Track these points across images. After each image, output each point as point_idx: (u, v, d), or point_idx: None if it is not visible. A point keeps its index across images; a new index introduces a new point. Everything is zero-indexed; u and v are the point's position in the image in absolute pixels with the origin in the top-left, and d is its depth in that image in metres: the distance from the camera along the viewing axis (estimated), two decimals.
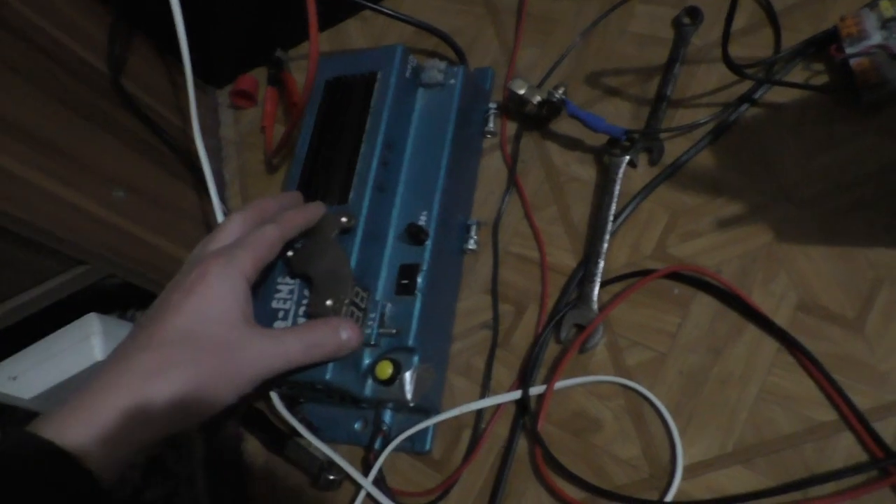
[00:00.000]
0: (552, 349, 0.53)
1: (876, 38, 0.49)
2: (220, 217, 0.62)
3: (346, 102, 0.58)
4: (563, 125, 0.60)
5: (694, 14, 0.58)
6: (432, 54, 0.69)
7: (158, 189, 0.65)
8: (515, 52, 0.65)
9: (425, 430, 0.54)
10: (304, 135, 0.59)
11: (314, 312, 0.51)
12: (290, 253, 0.53)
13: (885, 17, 0.49)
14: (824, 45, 0.52)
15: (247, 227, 0.48)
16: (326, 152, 0.57)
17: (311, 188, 0.56)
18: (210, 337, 0.41)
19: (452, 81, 0.60)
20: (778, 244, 0.49)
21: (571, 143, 0.59)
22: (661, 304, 0.51)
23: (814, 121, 0.51)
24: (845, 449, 0.43)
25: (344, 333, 0.47)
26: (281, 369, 0.44)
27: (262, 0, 0.72)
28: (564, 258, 0.56)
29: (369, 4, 0.69)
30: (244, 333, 0.43)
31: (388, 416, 0.55)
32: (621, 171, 0.55)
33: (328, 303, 0.50)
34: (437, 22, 0.69)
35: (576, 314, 0.53)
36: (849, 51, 0.49)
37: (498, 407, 0.53)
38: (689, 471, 0.46)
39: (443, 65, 0.60)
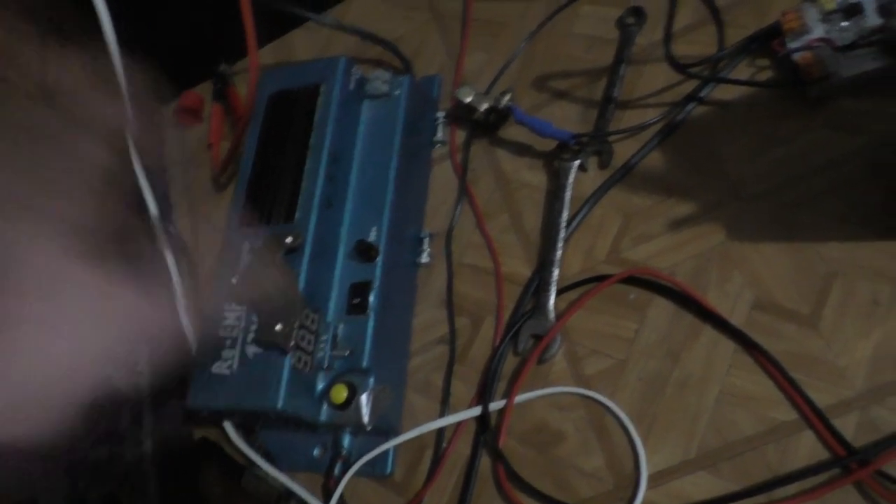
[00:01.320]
0: (511, 361, 0.52)
1: (818, 31, 0.49)
2: (164, 244, 0.60)
3: (289, 117, 0.57)
4: (513, 131, 0.59)
5: (637, 14, 0.58)
6: (378, 63, 0.68)
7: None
8: (462, 59, 0.64)
9: (385, 453, 0.53)
10: (248, 152, 0.57)
11: (263, 338, 0.49)
12: (234, 279, 0.51)
13: (826, 11, 0.49)
14: (767, 41, 0.51)
15: None
16: (271, 169, 0.55)
17: (255, 207, 0.54)
18: None
19: (398, 92, 0.58)
20: (731, 243, 0.48)
21: (521, 150, 0.58)
22: (618, 309, 0.50)
23: (761, 117, 0.50)
24: (807, 448, 0.42)
25: None
26: None
27: (204, 14, 0.71)
28: (519, 267, 0.55)
29: (312, 15, 0.67)
30: None
31: (346, 440, 0.53)
32: (572, 175, 0.55)
33: (277, 327, 0.49)
34: (383, 30, 0.68)
35: (532, 324, 0.52)
36: (791, 45, 0.49)
37: (458, 425, 0.52)
38: (654, 479, 0.45)
39: (387, 75, 0.59)
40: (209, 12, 0.68)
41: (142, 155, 0.59)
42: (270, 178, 0.55)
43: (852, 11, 0.48)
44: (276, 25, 0.74)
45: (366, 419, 0.49)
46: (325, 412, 0.50)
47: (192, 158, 0.73)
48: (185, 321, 0.60)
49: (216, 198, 0.70)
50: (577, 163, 0.55)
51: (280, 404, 0.47)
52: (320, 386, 0.50)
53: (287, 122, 0.56)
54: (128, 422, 0.63)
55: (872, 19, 0.47)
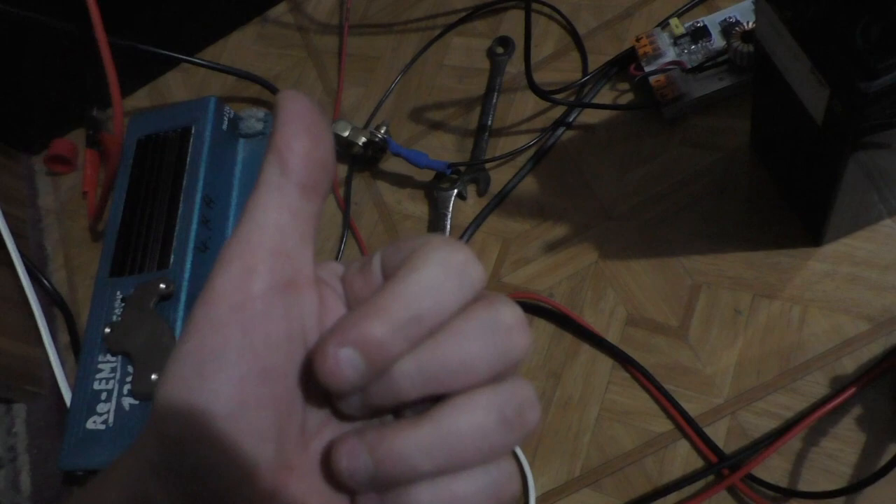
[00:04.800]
0: None
1: (670, 55, 0.51)
2: (32, 299, 0.57)
3: (159, 161, 0.55)
4: (392, 163, 0.59)
5: (505, 43, 0.59)
6: (256, 101, 0.67)
7: None
8: (339, 94, 0.64)
9: None
10: (118, 199, 0.55)
11: (139, 390, 0.47)
12: (106, 329, 0.49)
13: (676, 35, 0.51)
14: (625, 65, 0.53)
15: None
16: (142, 216, 0.54)
17: (127, 256, 0.52)
18: None
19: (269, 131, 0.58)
20: (603, 262, 0.50)
21: (401, 181, 0.59)
22: None
23: (624, 138, 0.52)
24: (683, 457, 0.43)
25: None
26: None
27: (70, 60, 0.68)
28: None
29: (186, 57, 0.66)
30: None
31: None
32: (451, 204, 0.55)
33: (153, 377, 0.47)
34: (259, 68, 0.68)
35: None
36: (647, 69, 0.51)
37: None
38: (542, 501, 0.45)
39: (261, 113, 0.58)
40: (77, 58, 0.66)
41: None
42: (142, 224, 0.53)
43: (699, 35, 0.51)
44: (149, 68, 0.73)
45: None
46: None
47: (67, 207, 0.70)
48: (61, 376, 0.57)
49: (93, 247, 0.67)
50: (454, 191, 0.55)
51: None
52: None
53: (158, 167, 0.55)
54: (5, 486, 0.59)
55: (718, 42, 0.50)
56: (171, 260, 0.51)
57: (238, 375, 0.18)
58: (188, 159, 0.54)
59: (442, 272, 0.19)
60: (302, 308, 0.19)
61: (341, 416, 0.20)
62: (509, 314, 0.19)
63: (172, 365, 0.18)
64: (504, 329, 0.19)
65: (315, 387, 0.19)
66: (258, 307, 0.18)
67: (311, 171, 0.19)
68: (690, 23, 0.51)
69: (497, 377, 0.19)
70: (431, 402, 0.19)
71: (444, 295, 0.18)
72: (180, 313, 0.49)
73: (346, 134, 0.58)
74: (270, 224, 0.19)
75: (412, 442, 0.18)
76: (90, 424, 0.48)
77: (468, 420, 0.18)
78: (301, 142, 0.19)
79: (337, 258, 0.58)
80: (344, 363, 0.18)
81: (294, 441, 0.19)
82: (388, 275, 0.20)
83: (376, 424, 0.20)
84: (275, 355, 0.18)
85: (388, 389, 0.18)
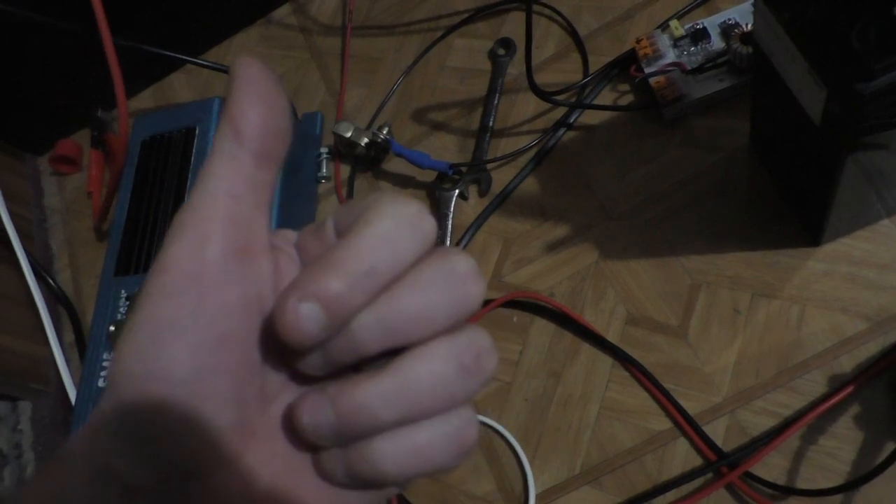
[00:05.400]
0: None
1: (669, 56, 0.52)
2: (38, 297, 0.58)
3: (164, 161, 0.56)
4: (394, 163, 0.60)
5: (507, 45, 0.60)
6: None
7: None
8: (342, 95, 0.65)
9: None
10: (122, 199, 0.56)
11: None
12: (111, 328, 0.50)
13: (676, 37, 0.52)
14: (626, 67, 0.54)
15: None
16: (147, 215, 0.54)
17: (131, 255, 0.53)
18: None
19: None
20: (604, 261, 0.50)
21: (403, 181, 0.59)
22: (503, 332, 0.51)
23: (625, 138, 0.53)
24: (682, 455, 0.43)
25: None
26: None
27: (75, 61, 0.69)
28: None
29: (190, 59, 0.67)
30: None
31: None
32: (452, 204, 0.56)
33: None
34: None
35: None
36: (647, 70, 0.52)
37: None
38: (542, 498, 0.46)
39: None
40: (82, 59, 0.67)
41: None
42: (146, 223, 0.54)
43: (699, 37, 0.51)
44: (154, 69, 0.73)
45: None
46: None
47: (72, 207, 0.71)
48: (66, 374, 0.58)
49: (98, 246, 0.68)
50: (456, 192, 0.56)
51: None
52: None
53: (162, 167, 0.55)
54: (10, 482, 0.60)
55: (717, 43, 0.50)
56: None
57: (194, 342, 0.18)
58: (192, 159, 0.55)
59: (395, 225, 0.19)
60: (257, 274, 0.19)
61: (301, 378, 0.21)
62: (463, 263, 0.19)
63: (128, 334, 0.18)
64: (459, 278, 0.19)
65: (274, 351, 0.20)
66: (213, 274, 0.18)
67: (266, 140, 0.19)
68: (690, 25, 0.51)
69: (454, 327, 0.19)
70: (391, 356, 0.19)
71: (399, 247, 0.19)
72: None
73: (348, 135, 0.58)
74: (224, 192, 0.19)
75: (374, 392, 0.18)
76: None
77: (428, 369, 0.19)
78: (256, 110, 0.19)
79: None
80: (304, 317, 0.18)
81: (254, 406, 0.19)
82: (342, 234, 0.20)
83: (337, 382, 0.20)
84: (231, 321, 0.18)
85: (348, 343, 0.19)
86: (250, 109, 0.19)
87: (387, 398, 0.18)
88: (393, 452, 0.19)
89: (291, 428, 0.20)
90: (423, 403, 0.19)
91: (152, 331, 0.18)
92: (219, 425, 0.18)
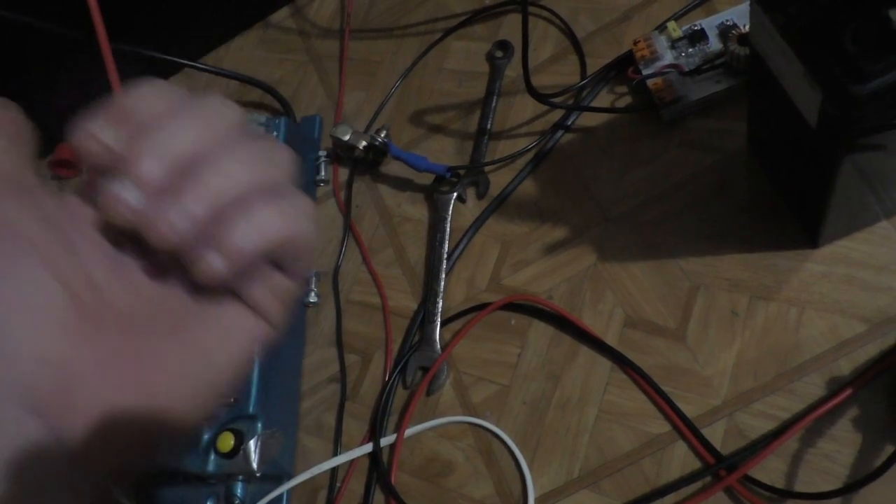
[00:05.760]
0: (401, 395, 0.52)
1: (667, 58, 0.51)
2: None
3: None
4: (393, 167, 0.60)
5: (504, 47, 0.60)
6: (259, 106, 0.68)
7: None
8: (341, 98, 0.65)
9: (279, 498, 0.51)
10: None
11: None
12: None
13: (674, 38, 0.52)
14: (623, 69, 0.54)
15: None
16: None
17: None
18: None
19: (275, 133, 0.58)
20: (602, 264, 0.50)
21: (401, 184, 0.59)
22: (501, 336, 0.51)
23: (623, 140, 0.52)
24: (680, 458, 0.43)
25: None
26: None
27: (74, 65, 0.69)
28: (405, 301, 0.55)
29: (188, 62, 0.67)
30: None
31: (239, 488, 0.51)
32: (450, 207, 0.56)
33: None
34: (261, 73, 0.68)
35: (419, 357, 0.52)
36: (644, 72, 0.51)
37: (351, 463, 0.51)
38: (541, 501, 0.46)
39: (262, 118, 0.58)
40: (81, 63, 0.67)
41: None
42: None
43: (697, 38, 0.51)
44: (154, 72, 0.73)
45: (255, 466, 0.48)
46: (212, 462, 0.49)
47: None
48: None
49: None
50: (454, 195, 0.56)
51: (162, 459, 0.45)
52: (206, 436, 0.49)
53: None
54: None
55: (715, 45, 0.50)
56: None
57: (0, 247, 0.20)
58: None
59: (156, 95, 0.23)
60: (42, 200, 0.22)
61: (130, 264, 0.23)
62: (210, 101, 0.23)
63: None
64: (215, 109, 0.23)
65: (92, 248, 0.23)
66: None
67: (11, 125, 0.24)
68: (688, 26, 0.51)
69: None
70: None
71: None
72: None
73: (346, 138, 0.58)
74: None
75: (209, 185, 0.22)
76: None
77: (231, 156, 0.22)
78: None
79: (338, 260, 0.58)
80: (97, 126, 0.22)
81: (86, 290, 0.22)
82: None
83: None
84: (29, 225, 0.21)
85: (151, 154, 0.21)
86: None
87: (214, 177, 0.21)
88: (246, 219, 0.22)
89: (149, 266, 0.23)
90: (242, 174, 0.22)
91: None
92: (50, 306, 0.20)
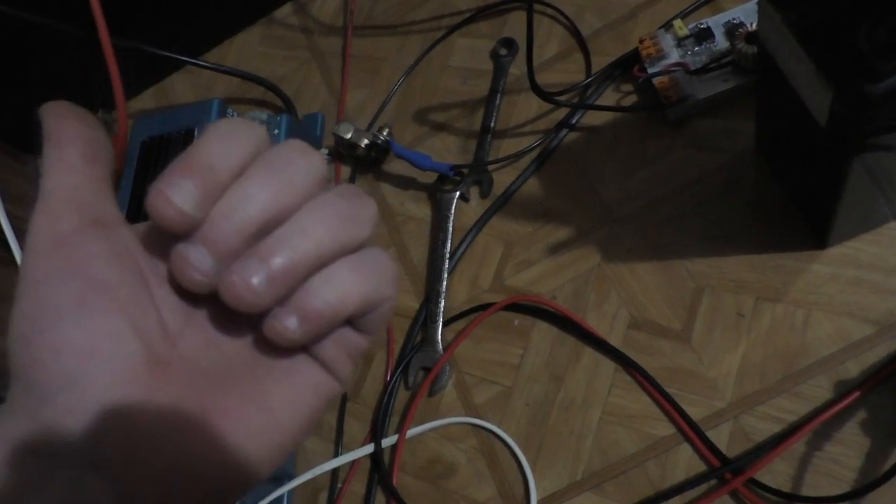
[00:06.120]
0: (403, 396, 0.52)
1: (673, 56, 0.51)
2: None
3: (163, 163, 0.55)
4: (395, 165, 0.59)
5: (509, 45, 0.59)
6: (261, 103, 0.67)
7: None
8: (343, 95, 0.64)
9: (280, 499, 0.51)
10: (121, 200, 0.55)
11: None
12: None
13: (680, 37, 0.51)
14: (629, 67, 0.53)
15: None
16: (146, 217, 0.54)
17: None
18: None
19: (277, 131, 0.58)
20: (606, 264, 0.49)
21: (404, 183, 0.59)
22: (504, 336, 0.50)
23: (628, 139, 0.52)
24: (685, 461, 0.43)
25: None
26: None
27: (75, 61, 0.69)
28: (407, 300, 0.55)
29: (191, 59, 0.66)
30: None
31: None
32: (453, 206, 0.55)
33: None
34: (264, 70, 0.68)
35: (421, 357, 0.52)
36: (650, 70, 0.51)
37: (352, 464, 0.51)
38: None
39: (264, 115, 0.58)
40: (82, 60, 0.66)
41: None
42: None
43: (703, 36, 0.50)
44: (155, 70, 0.73)
45: None
46: None
47: None
48: None
49: None
50: (457, 193, 0.55)
51: None
52: None
53: (162, 168, 0.55)
54: None
55: (722, 43, 0.50)
56: None
57: (74, 289, 0.20)
58: None
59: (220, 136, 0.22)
60: (119, 236, 0.21)
61: (202, 316, 0.23)
62: (295, 146, 0.22)
63: (15, 313, 0.20)
64: (294, 150, 0.22)
65: (165, 289, 0.22)
66: (72, 238, 0.20)
67: (85, 142, 0.21)
68: (694, 24, 0.51)
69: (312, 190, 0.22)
70: None
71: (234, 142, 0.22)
72: None
73: (348, 136, 0.58)
74: (61, 186, 0.21)
75: (285, 238, 0.21)
76: None
77: (311, 216, 0.21)
78: (69, 122, 0.21)
79: None
80: (173, 190, 0.20)
81: (158, 338, 0.21)
82: None
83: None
84: (105, 268, 0.20)
85: (226, 219, 0.21)
86: (64, 122, 0.21)
87: (295, 238, 0.21)
88: (327, 282, 0.21)
89: (224, 320, 0.23)
90: (324, 235, 0.21)
91: (34, 296, 0.20)
92: (124, 357, 0.20)
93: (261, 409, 0.21)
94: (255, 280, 0.20)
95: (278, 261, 0.20)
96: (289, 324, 0.21)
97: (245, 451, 0.21)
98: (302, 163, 0.22)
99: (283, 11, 0.72)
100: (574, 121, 0.54)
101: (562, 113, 0.55)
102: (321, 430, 0.53)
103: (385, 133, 0.57)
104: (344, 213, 0.22)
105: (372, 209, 0.23)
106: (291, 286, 0.21)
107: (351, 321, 0.23)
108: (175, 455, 0.20)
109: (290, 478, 0.51)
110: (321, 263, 0.21)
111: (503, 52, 0.59)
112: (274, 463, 0.22)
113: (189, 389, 0.21)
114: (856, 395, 0.40)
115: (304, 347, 0.23)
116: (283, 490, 0.51)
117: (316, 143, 0.63)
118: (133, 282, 0.21)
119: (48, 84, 0.70)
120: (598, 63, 0.55)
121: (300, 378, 0.23)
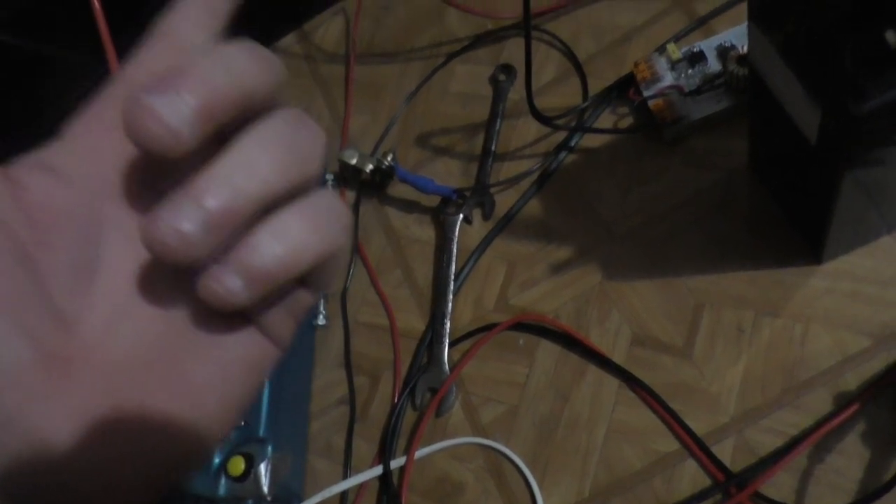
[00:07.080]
0: (410, 417, 0.52)
1: (668, 79, 0.52)
2: None
3: None
4: (399, 189, 0.61)
5: (507, 70, 0.60)
6: None
7: None
8: (347, 121, 0.66)
9: None
10: None
11: None
12: None
13: (674, 60, 0.52)
14: (625, 90, 0.54)
15: None
16: None
17: None
18: None
19: None
20: (608, 282, 0.50)
21: (408, 206, 0.60)
22: (509, 355, 0.51)
23: (626, 160, 0.53)
24: (690, 476, 0.43)
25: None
26: None
27: (86, 89, 0.70)
28: (413, 321, 0.55)
29: None
30: None
31: None
32: (457, 228, 0.56)
33: None
34: None
35: (428, 378, 0.52)
36: (646, 93, 0.52)
37: (361, 486, 0.51)
38: None
39: None
40: (93, 87, 0.68)
41: None
42: None
43: (696, 59, 0.52)
44: None
45: (265, 489, 0.48)
46: (223, 486, 0.49)
47: None
48: None
49: None
50: (460, 216, 0.56)
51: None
52: (216, 459, 0.49)
53: None
54: None
55: (714, 65, 0.51)
56: None
57: None
58: None
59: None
60: None
61: (104, 280, 0.19)
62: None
63: None
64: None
65: (56, 260, 0.18)
66: None
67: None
68: (687, 48, 0.52)
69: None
70: None
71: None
72: None
73: (353, 161, 0.59)
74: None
75: (224, 173, 0.17)
76: None
77: (260, 137, 0.18)
78: None
79: (346, 282, 0.59)
80: (163, 104, 0.17)
81: (49, 329, 0.17)
82: None
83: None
84: None
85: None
86: None
87: (236, 174, 0.17)
88: (276, 236, 0.18)
89: (145, 281, 0.19)
90: (271, 172, 0.18)
91: None
92: (13, 360, 0.16)
93: (183, 400, 0.18)
94: (186, 226, 0.16)
95: (216, 203, 0.17)
96: (232, 285, 0.17)
97: (165, 452, 0.18)
98: (255, 55, 0.19)
99: (287, 41, 0.73)
100: (572, 143, 0.55)
101: (560, 136, 0.56)
102: (330, 451, 0.54)
103: (389, 158, 0.58)
104: (294, 146, 0.18)
105: (322, 139, 0.20)
106: (231, 235, 0.17)
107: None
108: (86, 468, 0.17)
109: (299, 500, 0.52)
110: (266, 207, 0.18)
111: (502, 77, 0.61)
112: (200, 463, 0.19)
113: (94, 389, 0.17)
114: (855, 406, 0.40)
115: (240, 312, 0.19)
116: None
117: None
118: (9, 264, 0.17)
119: (60, 110, 0.71)
120: (595, 86, 0.56)
121: (230, 351, 0.19)
